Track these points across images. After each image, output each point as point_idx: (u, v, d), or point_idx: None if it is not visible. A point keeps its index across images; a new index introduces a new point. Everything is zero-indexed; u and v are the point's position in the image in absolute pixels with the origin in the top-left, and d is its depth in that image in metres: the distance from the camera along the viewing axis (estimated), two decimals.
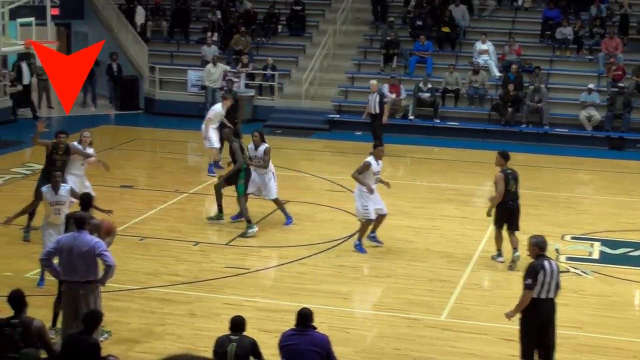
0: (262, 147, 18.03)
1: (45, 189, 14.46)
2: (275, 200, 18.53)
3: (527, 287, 11.17)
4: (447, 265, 16.36)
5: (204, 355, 9.26)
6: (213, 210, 18.86)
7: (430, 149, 26.51)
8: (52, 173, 14.84)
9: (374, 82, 25.80)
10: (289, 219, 18.56)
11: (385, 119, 25.03)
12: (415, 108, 28.37)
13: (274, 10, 32.91)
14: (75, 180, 16.44)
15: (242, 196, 18.04)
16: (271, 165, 18.27)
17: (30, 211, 16.57)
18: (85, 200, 13.09)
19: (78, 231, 11.66)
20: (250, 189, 18.24)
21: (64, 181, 15.22)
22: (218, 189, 18.53)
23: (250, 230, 17.84)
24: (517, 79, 28.17)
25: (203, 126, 21.96)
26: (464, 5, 31.60)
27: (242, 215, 18.16)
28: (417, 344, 12.98)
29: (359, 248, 16.94)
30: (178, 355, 8.02)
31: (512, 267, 16.09)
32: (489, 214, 16.46)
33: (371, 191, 16.72)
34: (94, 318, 10.28)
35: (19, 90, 29.38)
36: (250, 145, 18.20)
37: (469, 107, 28.92)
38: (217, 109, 21.90)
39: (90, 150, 17.28)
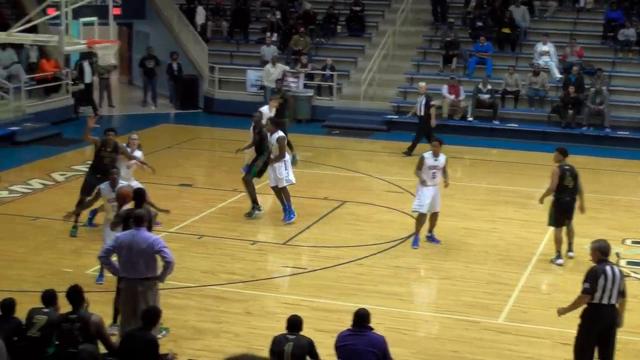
0: (276, 135, 18.23)
1: (103, 186, 14.61)
2: (274, 188, 18.69)
3: (585, 291, 11.04)
4: (506, 267, 16.24)
5: (262, 356, 9.25)
6: (248, 205, 19.00)
7: (489, 150, 26.32)
8: (110, 170, 15.02)
9: (422, 84, 25.82)
10: (288, 214, 18.56)
11: (433, 122, 24.94)
12: (475, 109, 28.21)
13: (334, 11, 32.91)
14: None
15: (253, 178, 18.59)
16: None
17: (83, 208, 16.79)
18: (139, 195, 13.14)
19: (137, 228, 11.74)
20: (273, 183, 18.55)
21: None
22: (246, 181, 18.83)
23: (256, 212, 18.53)
24: (578, 80, 27.85)
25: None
26: (525, 6, 31.35)
27: (291, 216, 18.39)
28: (475, 347, 12.89)
29: (414, 241, 17.11)
30: (239, 355, 8.02)
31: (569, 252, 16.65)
32: (541, 201, 16.70)
33: (423, 183, 16.82)
34: (153, 315, 10.35)
35: (81, 89, 29.69)
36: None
37: (528, 109, 28.68)
38: (264, 111, 21.66)
39: (138, 154, 17.45)
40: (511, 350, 12.85)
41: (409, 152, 24.81)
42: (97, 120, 18.04)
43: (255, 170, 18.47)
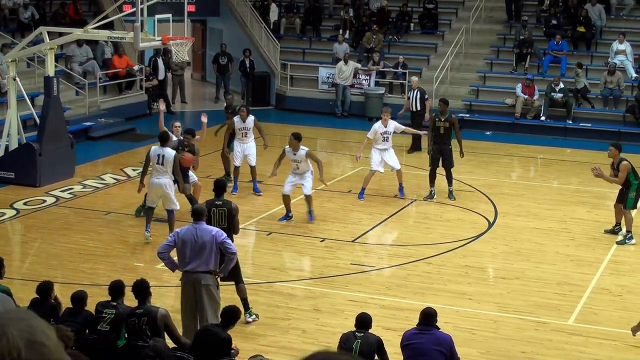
0: (250, 118, 20.39)
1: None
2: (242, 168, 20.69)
3: None
4: (577, 268, 16.06)
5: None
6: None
7: (562, 150, 26.02)
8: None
9: (415, 78, 25.58)
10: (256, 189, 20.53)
11: (427, 116, 24.50)
12: (548, 109, 27.88)
13: (407, 8, 32.78)
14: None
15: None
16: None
17: None
18: (219, 186, 13.42)
19: (197, 222, 11.81)
20: (237, 162, 20.40)
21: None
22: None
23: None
24: None
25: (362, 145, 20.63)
26: (601, 4, 30.89)
27: None
28: (544, 348, 12.78)
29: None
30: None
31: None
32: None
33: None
34: (234, 314, 10.35)
35: (154, 85, 30.01)
36: (237, 119, 20.35)
37: (603, 109, 28.28)
38: (376, 127, 20.12)
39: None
40: (581, 352, 12.71)
41: (412, 149, 24.77)
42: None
43: None
